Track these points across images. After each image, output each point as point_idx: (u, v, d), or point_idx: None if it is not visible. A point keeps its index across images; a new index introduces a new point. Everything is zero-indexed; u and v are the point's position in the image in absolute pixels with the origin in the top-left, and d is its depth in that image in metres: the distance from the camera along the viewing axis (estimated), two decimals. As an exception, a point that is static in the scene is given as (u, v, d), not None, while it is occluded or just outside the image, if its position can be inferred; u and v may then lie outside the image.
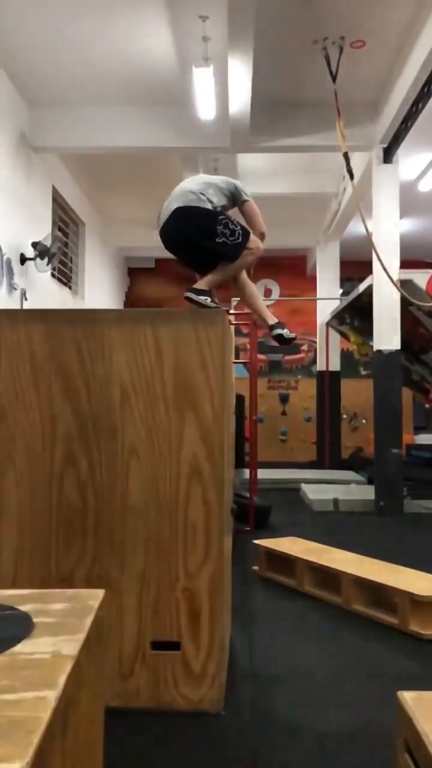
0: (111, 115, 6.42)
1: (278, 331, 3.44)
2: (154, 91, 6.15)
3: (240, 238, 3.27)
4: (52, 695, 0.78)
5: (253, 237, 3.35)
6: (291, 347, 10.37)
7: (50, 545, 2.18)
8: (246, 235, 3.30)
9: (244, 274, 3.54)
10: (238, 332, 9.85)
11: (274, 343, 3.58)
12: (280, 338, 3.44)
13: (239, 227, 3.30)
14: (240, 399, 7.05)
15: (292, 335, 3.50)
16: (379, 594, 3.15)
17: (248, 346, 6.43)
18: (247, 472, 5.55)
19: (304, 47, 5.34)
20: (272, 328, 3.46)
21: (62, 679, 0.82)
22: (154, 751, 1.91)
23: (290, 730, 2.05)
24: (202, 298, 3.16)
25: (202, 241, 3.26)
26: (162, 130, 6.44)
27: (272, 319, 3.51)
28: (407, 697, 1.37)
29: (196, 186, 3.34)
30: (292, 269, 12.51)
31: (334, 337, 9.75)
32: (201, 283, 3.26)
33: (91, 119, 6.41)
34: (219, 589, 2.17)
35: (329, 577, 3.38)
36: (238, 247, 3.26)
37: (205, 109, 5.62)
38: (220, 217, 3.30)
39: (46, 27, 5.14)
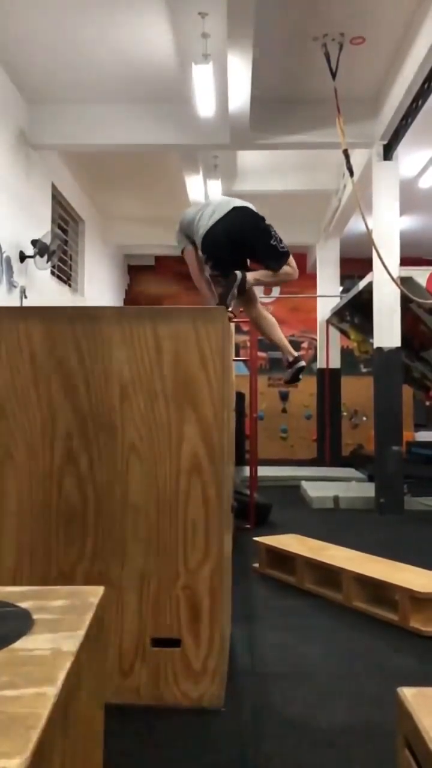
0: (110, 113, 6.41)
1: (301, 364, 3.53)
2: (154, 89, 6.13)
3: (286, 248, 3.43)
4: (51, 691, 0.78)
5: (291, 259, 3.46)
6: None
7: (50, 543, 2.18)
8: (288, 251, 3.43)
9: (261, 307, 3.60)
10: (238, 330, 9.84)
11: (287, 376, 3.59)
12: (298, 373, 3.52)
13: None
14: (240, 396, 7.05)
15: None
16: (379, 591, 3.15)
17: (248, 344, 6.43)
18: (247, 470, 5.54)
19: (304, 44, 5.33)
20: (296, 360, 3.54)
21: (62, 676, 0.83)
22: (154, 748, 1.91)
23: (290, 726, 2.05)
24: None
25: (259, 238, 3.38)
26: (161, 127, 6.43)
27: (293, 353, 3.58)
28: (407, 693, 1.37)
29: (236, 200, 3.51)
30: (292, 267, 12.49)
31: (335, 335, 9.74)
32: (250, 275, 3.34)
33: (91, 117, 6.40)
34: (219, 586, 2.17)
35: (330, 574, 3.38)
36: (284, 255, 3.42)
37: (205, 106, 5.61)
38: (270, 224, 3.45)
39: (45, 24, 5.13)
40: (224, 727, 2.04)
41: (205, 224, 3.38)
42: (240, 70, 5.02)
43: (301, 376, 3.57)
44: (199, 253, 3.54)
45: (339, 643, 2.79)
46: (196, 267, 3.60)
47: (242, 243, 3.41)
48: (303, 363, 3.56)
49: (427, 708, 1.30)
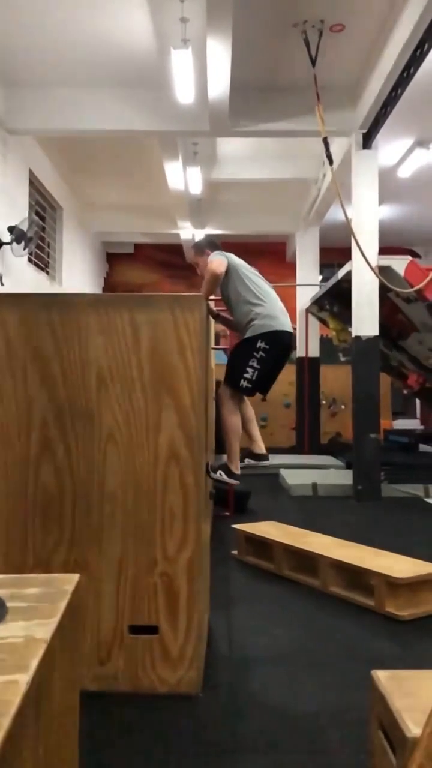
0: (89, 98, 6.31)
1: (227, 479, 3.21)
2: (133, 74, 6.05)
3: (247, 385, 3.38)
4: (23, 679, 0.78)
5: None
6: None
7: (27, 531, 2.17)
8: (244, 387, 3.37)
9: (233, 405, 3.39)
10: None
11: (212, 473, 3.20)
12: (218, 482, 3.25)
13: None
14: (220, 385, 7.04)
15: (232, 480, 3.31)
16: (356, 577, 3.19)
17: (228, 333, 6.42)
18: (225, 458, 5.55)
19: (284, 30, 5.29)
20: (229, 472, 3.23)
21: (34, 663, 0.82)
22: (132, 734, 1.92)
23: (268, 711, 2.08)
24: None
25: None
26: (140, 113, 6.35)
27: (234, 468, 3.31)
28: (381, 676, 1.40)
29: None
30: (271, 255, 12.49)
31: (314, 324, 9.77)
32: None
33: (69, 101, 6.29)
34: (197, 573, 2.17)
35: (307, 560, 3.41)
36: (239, 387, 3.38)
37: (184, 92, 5.55)
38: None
39: (22, 7, 5.03)
40: (202, 712, 2.06)
41: (284, 320, 3.31)
42: (219, 56, 4.97)
43: (225, 479, 3.26)
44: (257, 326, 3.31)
45: (316, 629, 2.82)
46: (215, 280, 3.34)
47: (281, 366, 3.41)
48: (232, 481, 3.28)
49: (400, 690, 1.32)
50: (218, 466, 3.23)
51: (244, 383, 3.19)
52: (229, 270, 3.32)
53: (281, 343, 3.30)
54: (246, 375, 3.17)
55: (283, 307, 3.41)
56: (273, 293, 3.39)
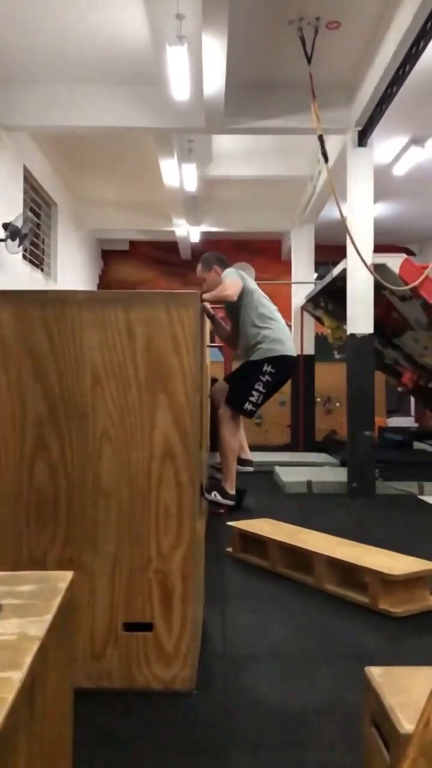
0: (83, 94, 6.29)
1: (221, 500, 3.21)
2: (128, 70, 6.04)
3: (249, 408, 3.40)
4: (17, 676, 0.78)
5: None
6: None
7: (21, 529, 2.17)
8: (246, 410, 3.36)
9: (232, 424, 3.37)
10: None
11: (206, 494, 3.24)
12: (213, 503, 3.25)
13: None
14: (215, 383, 7.04)
15: (227, 501, 3.29)
16: (350, 574, 3.20)
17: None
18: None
19: (280, 27, 5.29)
20: (224, 494, 3.23)
21: (28, 660, 0.82)
22: (127, 732, 1.92)
23: (262, 708, 2.08)
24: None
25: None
26: (135, 109, 6.34)
27: (229, 489, 3.32)
28: (374, 672, 1.40)
29: None
30: (266, 253, 12.49)
31: (309, 321, 9.78)
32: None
33: (63, 98, 6.27)
34: (191, 570, 2.18)
35: (302, 557, 3.41)
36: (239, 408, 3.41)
37: (179, 88, 5.54)
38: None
39: (16, 2, 5.00)
40: (196, 709, 2.06)
41: (290, 345, 3.31)
42: (215, 52, 4.95)
43: (219, 506, 3.23)
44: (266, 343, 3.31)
45: (310, 626, 2.83)
46: (223, 302, 3.30)
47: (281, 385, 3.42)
48: (227, 501, 3.25)
49: (393, 687, 1.33)
50: (213, 486, 3.22)
51: (248, 406, 3.19)
52: (241, 291, 3.29)
53: (287, 367, 3.31)
54: (251, 398, 3.16)
55: (289, 331, 3.42)
56: (280, 317, 3.39)
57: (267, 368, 3.16)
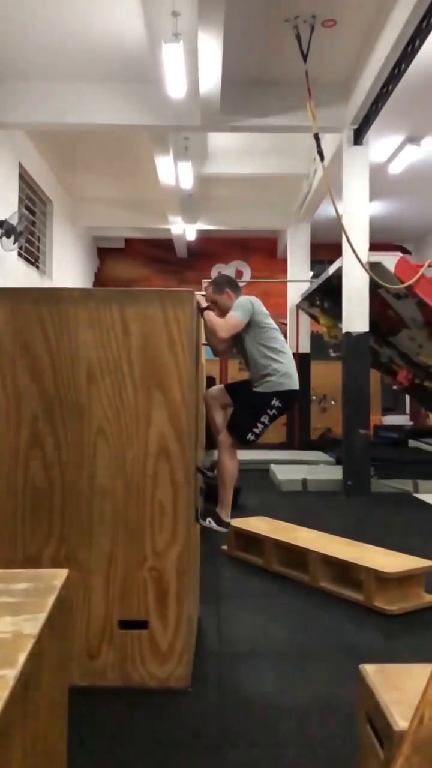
0: (80, 92, 6.27)
1: (216, 527, 3.20)
2: (124, 68, 6.02)
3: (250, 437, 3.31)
4: (11, 674, 0.78)
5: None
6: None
7: (16, 526, 2.16)
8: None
9: (230, 450, 3.35)
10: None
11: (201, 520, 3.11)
12: (206, 528, 3.24)
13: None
14: (211, 381, 7.05)
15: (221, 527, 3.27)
16: (345, 571, 3.20)
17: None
18: (216, 453, 5.55)
19: (276, 25, 5.28)
20: (219, 521, 3.22)
21: (22, 658, 0.82)
22: (122, 728, 1.92)
23: (257, 705, 2.08)
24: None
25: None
26: (132, 107, 6.32)
27: (225, 516, 3.29)
28: (369, 670, 1.40)
29: None
30: (263, 251, 12.49)
31: (304, 320, 9.78)
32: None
33: (60, 95, 6.25)
34: (186, 568, 2.18)
35: (297, 555, 3.42)
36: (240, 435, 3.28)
37: (175, 86, 5.53)
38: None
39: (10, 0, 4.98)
40: (191, 706, 2.06)
41: (296, 379, 3.28)
42: (211, 50, 4.94)
43: (215, 528, 3.25)
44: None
45: (305, 623, 2.84)
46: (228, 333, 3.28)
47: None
48: (221, 529, 3.25)
49: (388, 684, 1.33)
50: (207, 512, 3.22)
51: (251, 437, 3.20)
52: (252, 318, 3.28)
53: (291, 402, 3.33)
54: (255, 430, 3.18)
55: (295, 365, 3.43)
56: (289, 349, 3.40)
57: (275, 402, 3.21)
